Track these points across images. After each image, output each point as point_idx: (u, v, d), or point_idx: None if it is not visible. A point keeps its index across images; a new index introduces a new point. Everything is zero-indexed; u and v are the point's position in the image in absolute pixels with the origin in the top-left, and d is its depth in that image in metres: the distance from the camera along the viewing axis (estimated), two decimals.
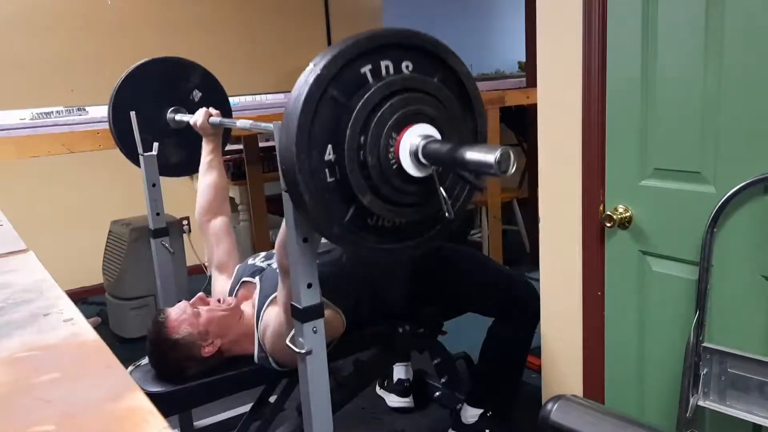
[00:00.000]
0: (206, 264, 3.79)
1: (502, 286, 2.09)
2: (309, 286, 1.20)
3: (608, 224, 1.59)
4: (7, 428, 0.48)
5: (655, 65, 1.47)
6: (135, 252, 3.14)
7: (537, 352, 1.97)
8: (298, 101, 1.01)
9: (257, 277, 1.78)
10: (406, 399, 2.48)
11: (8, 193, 3.45)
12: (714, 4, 1.35)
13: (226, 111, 2.11)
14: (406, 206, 1.10)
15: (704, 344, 1.40)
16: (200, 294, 1.75)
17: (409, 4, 5.21)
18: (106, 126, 2.42)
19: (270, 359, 1.65)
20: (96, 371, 0.58)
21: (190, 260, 3.41)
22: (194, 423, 2.24)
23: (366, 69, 1.04)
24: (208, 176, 1.97)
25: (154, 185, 2.05)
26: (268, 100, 3.16)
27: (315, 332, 1.22)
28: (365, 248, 1.12)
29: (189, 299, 1.74)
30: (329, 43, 4.86)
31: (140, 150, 2.03)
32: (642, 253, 1.58)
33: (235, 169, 3.72)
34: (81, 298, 3.80)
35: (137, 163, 2.05)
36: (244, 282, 1.82)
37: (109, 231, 3.35)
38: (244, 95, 3.27)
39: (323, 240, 1.17)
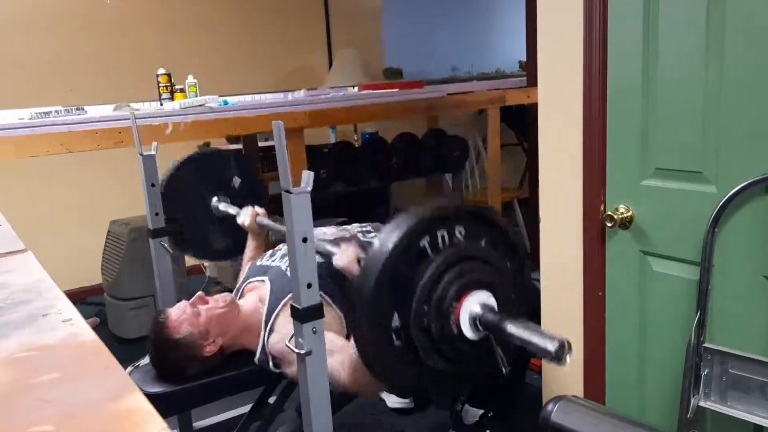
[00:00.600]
0: (205, 264, 3.79)
1: None
2: (309, 286, 1.20)
3: (609, 224, 1.59)
4: (6, 428, 0.48)
5: (656, 65, 1.47)
6: (134, 252, 3.13)
7: None
8: (368, 282, 1.12)
9: (265, 276, 1.78)
10: (407, 400, 2.48)
11: (7, 192, 3.44)
12: (714, 4, 1.35)
13: (261, 197, 2.28)
14: (462, 362, 1.22)
15: (705, 345, 1.40)
16: (199, 293, 1.75)
17: (410, 4, 5.20)
18: (104, 125, 2.42)
19: (270, 363, 1.65)
20: (95, 372, 0.58)
21: (189, 260, 3.40)
22: (193, 424, 2.24)
23: (425, 242, 1.16)
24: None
25: (153, 185, 2.05)
26: (267, 100, 3.15)
27: (315, 332, 1.22)
28: (430, 395, 1.26)
29: (188, 299, 1.73)
30: (329, 43, 4.86)
31: (139, 150, 2.02)
32: (643, 253, 1.58)
33: None
34: (80, 298, 3.80)
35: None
36: (250, 282, 1.82)
37: (108, 231, 3.35)
38: (244, 95, 3.26)
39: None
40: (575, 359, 1.78)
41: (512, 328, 1.10)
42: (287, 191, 1.16)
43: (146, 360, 1.74)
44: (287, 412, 1.97)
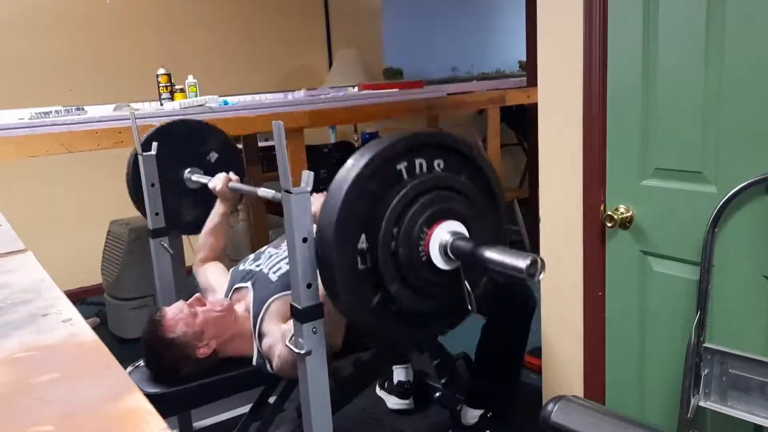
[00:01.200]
0: None
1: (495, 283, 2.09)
2: (309, 286, 1.20)
3: (609, 224, 1.59)
4: (6, 428, 0.48)
5: (656, 65, 1.47)
6: (134, 252, 3.13)
7: (538, 352, 1.97)
8: (339, 195, 1.09)
9: (249, 282, 1.78)
10: (407, 401, 2.48)
11: (7, 192, 3.44)
12: (714, 3, 1.35)
13: (239, 172, 2.18)
14: (429, 296, 1.18)
15: (705, 345, 1.40)
16: (197, 294, 1.75)
17: (410, 4, 5.20)
18: (104, 125, 2.42)
19: (268, 365, 1.65)
20: (95, 372, 0.58)
21: (189, 260, 3.40)
22: (193, 424, 2.24)
23: (402, 166, 1.14)
24: (213, 235, 2.02)
25: (153, 185, 2.05)
26: (267, 100, 3.15)
27: (315, 333, 1.22)
28: (389, 333, 1.20)
29: (187, 299, 1.73)
30: (329, 42, 4.86)
31: (139, 150, 2.02)
32: (643, 253, 1.58)
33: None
34: (80, 298, 3.80)
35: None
36: (236, 288, 1.82)
37: (108, 231, 3.35)
38: (244, 95, 3.26)
39: None
40: (575, 359, 1.78)
41: (484, 252, 1.07)
42: (287, 191, 1.16)
43: None
44: (287, 412, 1.97)
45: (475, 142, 4.39)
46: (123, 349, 3.05)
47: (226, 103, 2.81)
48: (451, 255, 1.12)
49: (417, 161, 1.15)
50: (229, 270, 1.96)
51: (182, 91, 2.88)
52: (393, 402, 2.49)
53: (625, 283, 1.63)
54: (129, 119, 2.11)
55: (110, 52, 3.91)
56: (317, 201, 1.49)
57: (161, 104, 2.86)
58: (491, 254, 1.07)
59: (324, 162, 3.51)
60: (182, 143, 2.17)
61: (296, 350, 1.23)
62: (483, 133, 4.12)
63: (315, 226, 1.16)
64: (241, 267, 1.88)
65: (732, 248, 1.39)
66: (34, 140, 2.27)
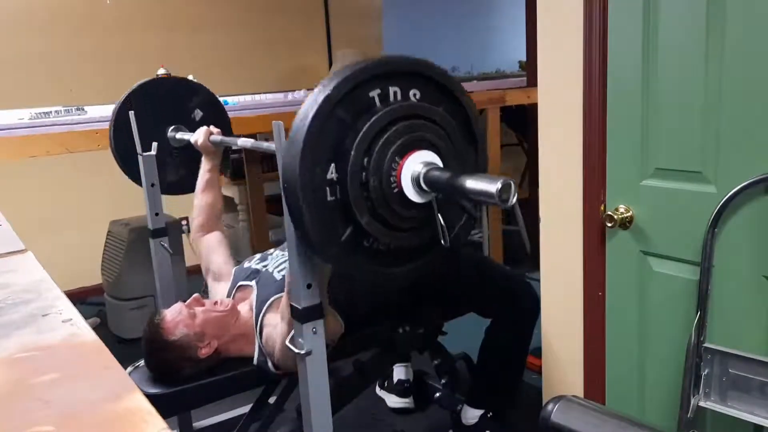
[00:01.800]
0: None
1: (500, 285, 2.08)
2: (308, 286, 1.20)
3: (609, 224, 1.59)
4: (6, 428, 0.48)
5: (656, 65, 1.47)
6: (134, 252, 3.13)
7: (538, 352, 1.97)
8: (305, 119, 1.02)
9: (253, 281, 1.78)
10: (407, 400, 2.48)
11: (6, 192, 3.43)
12: (714, 3, 1.35)
13: (226, 130, 2.14)
14: (402, 230, 1.12)
15: (705, 344, 1.40)
16: (196, 295, 1.75)
17: (410, 4, 5.21)
18: (104, 126, 2.42)
19: (269, 364, 1.65)
20: (95, 372, 0.58)
21: (190, 260, 3.40)
22: (193, 424, 2.24)
23: (374, 93, 1.06)
24: (205, 195, 1.99)
25: (153, 185, 2.05)
26: (267, 100, 3.15)
27: (315, 333, 1.22)
28: (360, 270, 1.13)
29: (187, 300, 1.73)
30: (329, 42, 4.85)
31: (139, 150, 2.02)
32: (643, 253, 1.58)
33: (234, 169, 3.71)
34: (80, 298, 3.79)
35: (138, 181, 2.08)
36: (240, 286, 1.82)
37: (108, 231, 3.35)
38: (244, 95, 3.26)
39: None
40: (575, 359, 1.78)
41: (455, 181, 1.01)
42: (287, 206, 1.15)
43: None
44: (287, 412, 1.97)
45: None
46: (123, 349, 3.05)
47: (226, 103, 2.81)
48: (424, 186, 1.06)
49: (391, 89, 1.07)
50: (227, 238, 1.96)
51: None
52: (393, 401, 2.49)
53: (625, 283, 1.63)
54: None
55: (110, 52, 3.91)
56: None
57: None
58: (463, 181, 1.01)
59: None
60: (164, 102, 2.12)
61: (296, 350, 1.23)
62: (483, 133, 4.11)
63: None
64: (246, 265, 1.88)
65: (732, 248, 1.39)
66: (34, 140, 2.27)
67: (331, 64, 4.79)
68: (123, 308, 3.23)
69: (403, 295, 1.93)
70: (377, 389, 2.58)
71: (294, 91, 3.45)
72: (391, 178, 1.05)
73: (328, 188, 1.05)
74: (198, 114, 2.17)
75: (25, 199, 3.66)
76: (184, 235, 2.43)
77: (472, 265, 2.13)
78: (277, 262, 1.80)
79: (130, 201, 2.87)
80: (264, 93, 3.46)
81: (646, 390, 1.64)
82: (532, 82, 3.37)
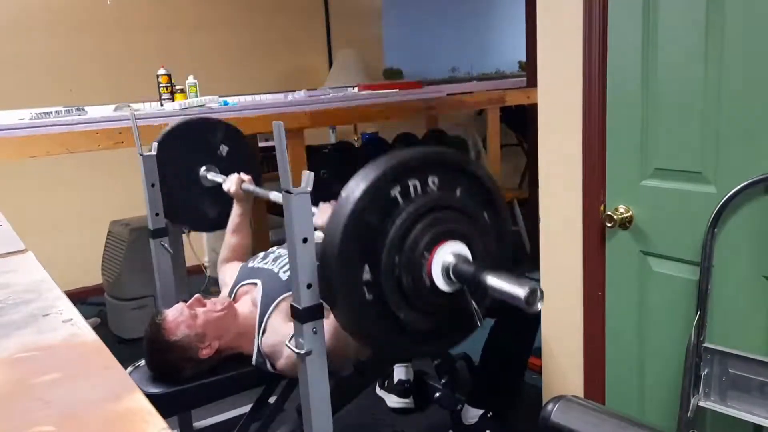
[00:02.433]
0: (206, 264, 3.79)
1: None
2: (309, 286, 1.20)
3: (609, 224, 1.59)
4: (7, 428, 0.48)
5: (656, 65, 1.47)
6: (134, 252, 3.13)
7: (537, 352, 1.97)
8: (336, 232, 1.08)
9: (258, 279, 1.78)
10: (407, 400, 2.48)
11: (7, 193, 3.44)
12: (714, 4, 1.35)
13: (250, 161, 2.21)
14: (438, 316, 1.18)
15: (705, 344, 1.40)
16: (197, 295, 1.75)
17: (410, 4, 5.20)
18: (105, 126, 2.42)
19: (267, 364, 1.65)
20: (95, 372, 0.58)
21: (190, 260, 3.40)
22: (194, 424, 2.24)
23: (396, 192, 1.12)
24: (235, 237, 2.05)
25: (153, 185, 2.05)
26: (267, 100, 3.15)
27: (315, 333, 1.22)
28: (402, 353, 1.20)
29: (188, 300, 1.73)
30: (329, 42, 4.86)
31: (139, 150, 2.02)
32: (643, 254, 1.58)
33: None
34: (80, 298, 3.79)
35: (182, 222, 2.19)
36: (243, 284, 1.82)
37: (109, 231, 3.34)
38: (244, 95, 3.26)
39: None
40: (575, 359, 1.78)
41: (484, 279, 1.06)
42: (287, 192, 1.16)
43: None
44: (287, 412, 1.97)
45: (475, 143, 4.39)
46: (123, 349, 3.05)
47: (226, 103, 2.82)
48: (453, 279, 1.12)
49: (410, 183, 1.13)
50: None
51: (182, 91, 2.88)
52: (393, 401, 2.49)
53: (625, 283, 1.63)
54: (129, 119, 2.11)
55: (110, 53, 3.92)
56: (324, 212, 1.48)
57: (161, 104, 2.86)
58: (491, 281, 1.06)
59: (324, 162, 3.51)
60: (191, 142, 2.19)
61: (296, 350, 1.23)
62: (483, 133, 4.12)
63: (320, 240, 1.16)
64: (250, 264, 1.88)
65: (732, 248, 1.39)
66: (35, 140, 2.27)
67: (331, 64, 4.80)
68: (123, 308, 3.23)
69: None
70: (377, 389, 2.58)
71: (294, 91, 3.46)
72: (423, 273, 1.11)
73: (365, 288, 1.11)
74: (224, 149, 2.23)
75: (25, 199, 3.67)
76: (184, 236, 2.43)
77: None
78: (282, 262, 1.80)
79: (130, 201, 2.88)
80: (264, 93, 3.46)
81: (646, 390, 1.64)
82: (532, 82, 3.37)
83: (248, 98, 3.14)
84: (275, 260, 1.83)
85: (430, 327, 1.19)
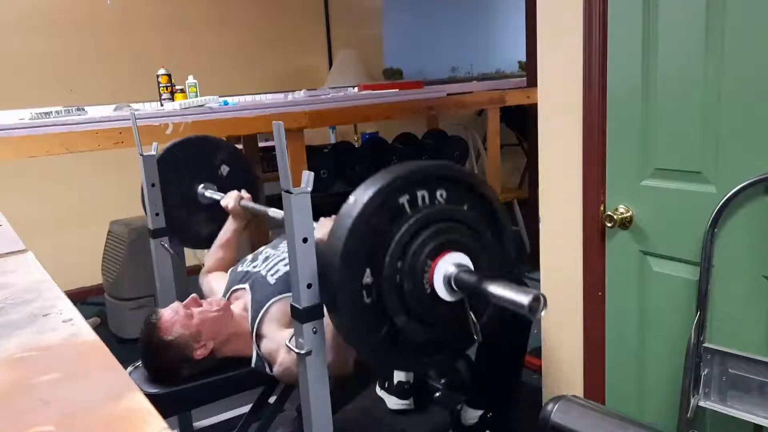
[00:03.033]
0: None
1: None
2: (309, 286, 1.20)
3: (609, 224, 1.59)
4: (7, 428, 0.48)
5: (656, 65, 1.47)
6: (134, 252, 3.13)
7: (537, 352, 1.97)
8: (341, 233, 1.09)
9: (246, 284, 1.78)
10: (407, 401, 2.48)
11: (7, 193, 3.44)
12: (714, 3, 1.35)
13: (250, 183, 2.19)
14: (436, 326, 1.18)
15: (705, 345, 1.40)
16: (193, 295, 1.74)
17: (410, 4, 5.20)
18: (105, 126, 2.42)
19: (267, 367, 1.65)
20: (95, 372, 0.58)
21: (189, 260, 3.41)
22: (193, 424, 2.24)
23: (404, 200, 1.13)
24: (222, 251, 2.04)
25: (153, 185, 2.05)
26: (267, 100, 3.15)
27: (315, 333, 1.22)
28: (396, 364, 1.20)
29: (184, 300, 1.73)
30: (329, 42, 4.86)
31: (139, 151, 2.02)
32: (643, 254, 1.58)
33: None
34: (80, 298, 3.80)
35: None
36: (234, 290, 1.81)
37: (109, 231, 3.34)
38: (244, 95, 3.26)
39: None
40: (575, 359, 1.78)
41: (487, 286, 1.08)
42: (287, 191, 1.16)
43: None
44: (287, 412, 1.97)
45: (475, 143, 4.39)
46: (123, 349, 3.05)
47: (226, 103, 2.81)
48: (454, 287, 1.13)
49: (419, 193, 1.15)
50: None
51: (182, 91, 2.88)
52: (393, 402, 2.49)
53: (625, 283, 1.63)
54: (129, 119, 2.11)
55: (110, 53, 3.92)
56: (324, 226, 1.49)
57: (161, 104, 2.86)
58: (494, 288, 1.07)
59: (324, 162, 3.51)
60: (192, 160, 2.19)
61: (296, 350, 1.23)
62: (483, 133, 4.12)
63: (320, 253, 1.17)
64: (239, 268, 1.88)
65: (732, 248, 1.39)
66: (35, 140, 2.27)
67: (331, 64, 4.80)
68: (123, 308, 3.23)
69: None
70: (377, 389, 2.58)
71: (294, 91, 3.46)
72: (424, 280, 1.12)
73: (365, 291, 1.12)
74: (225, 170, 2.22)
75: (25, 198, 3.66)
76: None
77: None
78: (269, 264, 1.80)
79: (130, 201, 2.87)
80: (264, 93, 3.46)
81: (645, 390, 1.64)
82: (532, 82, 3.37)
83: (248, 98, 3.14)
84: (264, 261, 1.82)
85: (426, 338, 1.20)
